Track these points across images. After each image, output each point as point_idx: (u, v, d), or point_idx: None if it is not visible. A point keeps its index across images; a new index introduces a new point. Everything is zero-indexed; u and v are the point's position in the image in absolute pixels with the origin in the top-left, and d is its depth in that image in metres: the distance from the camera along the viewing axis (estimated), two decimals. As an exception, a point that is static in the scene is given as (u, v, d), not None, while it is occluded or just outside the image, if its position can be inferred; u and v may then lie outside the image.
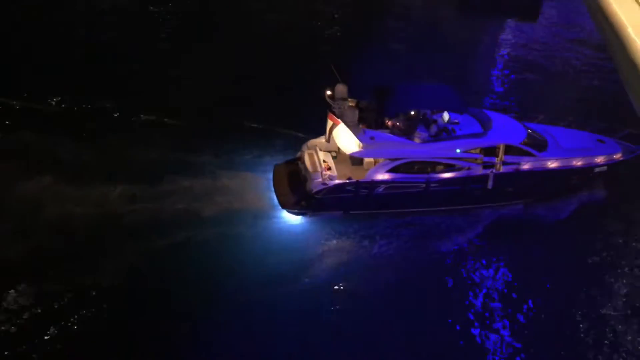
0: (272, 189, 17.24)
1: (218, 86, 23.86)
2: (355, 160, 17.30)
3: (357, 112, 16.45)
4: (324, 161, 16.97)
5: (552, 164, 17.60)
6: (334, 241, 16.56)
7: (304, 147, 17.76)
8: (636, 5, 9.81)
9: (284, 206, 16.78)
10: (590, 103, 24.41)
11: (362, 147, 16.32)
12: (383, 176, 16.70)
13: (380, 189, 16.79)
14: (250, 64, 26.27)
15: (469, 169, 17.03)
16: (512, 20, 35.61)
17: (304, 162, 17.30)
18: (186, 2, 33.47)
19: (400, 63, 26.86)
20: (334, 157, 17.50)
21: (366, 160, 17.07)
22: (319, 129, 18.14)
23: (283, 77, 24.79)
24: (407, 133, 16.73)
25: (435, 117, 17.31)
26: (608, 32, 9.85)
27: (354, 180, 16.59)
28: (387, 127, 16.88)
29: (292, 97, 22.89)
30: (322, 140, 17.86)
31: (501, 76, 27.75)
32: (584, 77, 28.25)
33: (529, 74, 28.08)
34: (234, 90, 23.85)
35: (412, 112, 16.92)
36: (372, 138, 16.29)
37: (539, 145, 17.60)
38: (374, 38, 30.20)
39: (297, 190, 16.92)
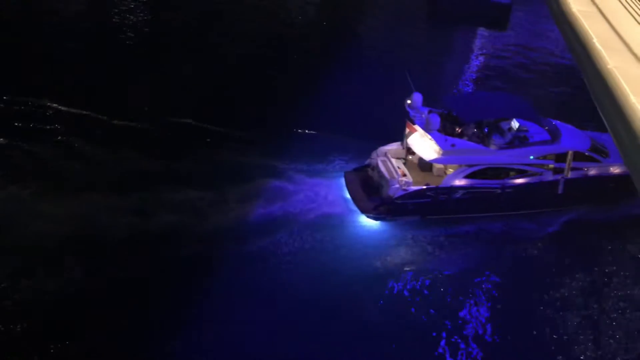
0: (347, 195, 17.84)
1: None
2: (425, 166, 18.16)
3: (439, 119, 17.03)
4: (398, 168, 17.62)
5: (616, 170, 18.70)
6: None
7: (374, 155, 18.40)
8: (601, 17, 9.89)
9: (364, 211, 17.35)
10: (560, 109, 24.61)
11: (443, 154, 17.12)
12: (461, 182, 17.55)
13: (458, 194, 17.57)
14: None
15: (541, 174, 17.92)
16: (481, 29, 36.09)
17: (376, 169, 18.00)
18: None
19: (369, 74, 26.94)
20: (403, 164, 18.28)
21: (436, 166, 17.99)
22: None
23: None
24: (483, 140, 17.53)
25: (503, 125, 18.05)
26: (574, 42, 9.91)
27: (433, 186, 17.31)
28: (459, 135, 17.59)
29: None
30: (392, 147, 18.64)
31: (471, 84, 28.04)
32: (554, 84, 28.73)
33: (498, 82, 28.43)
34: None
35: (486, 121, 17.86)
36: (453, 145, 16.99)
37: (602, 152, 18.75)
38: (342, 49, 30.16)
39: (373, 196, 17.52)
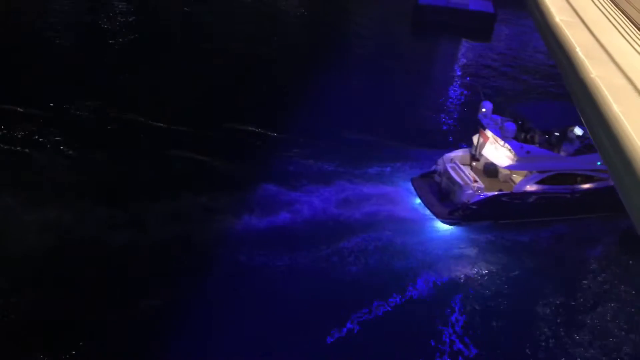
0: (418, 200, 18.31)
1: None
2: (490, 172, 18.82)
3: (515, 127, 17.69)
4: (469, 174, 18.27)
5: None
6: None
7: (441, 161, 19.01)
8: (584, 27, 10.03)
9: (439, 216, 17.81)
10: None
11: (517, 161, 17.80)
12: (533, 187, 18.13)
13: (531, 199, 18.09)
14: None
15: (607, 179, 18.41)
16: (466, 39, 36.43)
17: (445, 175, 18.54)
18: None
19: (354, 85, 27.12)
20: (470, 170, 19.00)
21: (502, 172, 18.66)
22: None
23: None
24: (553, 147, 18.36)
25: (570, 132, 18.80)
26: (558, 52, 10.02)
27: (507, 192, 17.92)
28: (530, 142, 18.17)
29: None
30: (457, 154, 19.34)
31: (455, 95, 28.21)
32: (539, 93, 29.06)
33: (488, 90, 28.59)
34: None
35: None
36: (528, 152, 17.81)
37: None
38: (325, 59, 30.22)
39: (446, 202, 18.05)
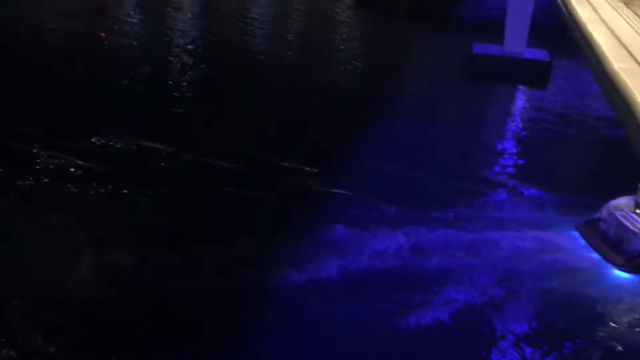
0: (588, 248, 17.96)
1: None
2: None
3: None
4: None
5: None
6: None
7: (606, 209, 18.70)
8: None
9: (617, 264, 17.50)
10: (606, 173, 24.00)
11: None
12: None
13: None
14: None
15: None
16: (521, 87, 35.95)
17: (615, 223, 18.12)
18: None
19: (408, 134, 26.79)
20: None
21: None
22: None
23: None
24: None
25: None
26: (617, 100, 9.58)
27: None
28: None
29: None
30: (622, 201, 18.86)
31: (510, 143, 27.61)
32: (595, 146, 28.07)
33: (539, 140, 27.97)
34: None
35: None
36: None
37: None
38: (378, 105, 30.28)
39: (618, 250, 17.73)
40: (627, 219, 17.99)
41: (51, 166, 20.47)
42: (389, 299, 15.15)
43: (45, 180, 19.69)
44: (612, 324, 15.35)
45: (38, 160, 20.68)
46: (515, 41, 37.74)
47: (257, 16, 48.79)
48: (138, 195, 19.30)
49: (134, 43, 36.27)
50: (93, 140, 22.39)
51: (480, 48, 38.44)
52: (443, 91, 33.65)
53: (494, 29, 39.32)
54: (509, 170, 23.69)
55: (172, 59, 34.15)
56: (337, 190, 20.66)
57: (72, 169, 20.41)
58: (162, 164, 21.54)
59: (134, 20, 41.55)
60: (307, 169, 21.84)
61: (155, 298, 14.83)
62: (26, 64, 29.85)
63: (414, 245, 17.30)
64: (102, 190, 19.32)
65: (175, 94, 29.01)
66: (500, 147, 26.43)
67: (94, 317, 13.99)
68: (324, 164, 22.13)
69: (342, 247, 16.91)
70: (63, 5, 43.21)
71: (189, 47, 37.06)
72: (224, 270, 15.61)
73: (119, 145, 22.36)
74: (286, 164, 21.93)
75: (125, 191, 19.47)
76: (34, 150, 21.11)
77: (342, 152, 23.53)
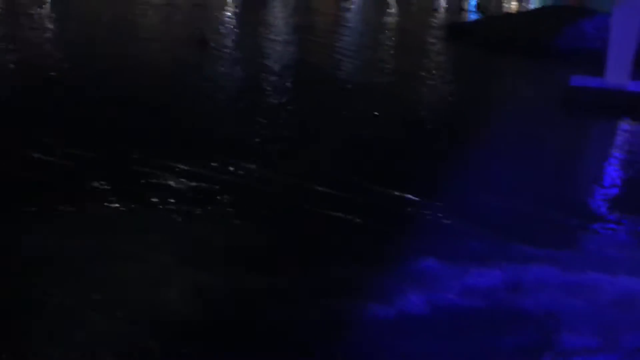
0: None
1: None
2: None
3: None
4: None
5: None
6: None
7: None
8: None
9: None
10: None
11: None
12: None
13: None
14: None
15: None
16: (624, 122, 33.84)
17: None
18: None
19: (506, 166, 25.54)
20: None
21: None
22: None
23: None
24: None
25: None
26: None
27: None
28: None
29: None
30: None
31: (615, 179, 25.84)
32: None
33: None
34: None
35: None
36: None
37: None
38: (474, 136, 29.47)
39: None
40: None
41: (157, 186, 21.41)
42: (478, 340, 14.24)
43: (147, 198, 20.47)
44: None
45: (150, 180, 21.77)
46: (618, 73, 35.76)
47: (349, 47, 49.72)
48: (230, 216, 19.58)
49: (233, 74, 37.62)
50: (193, 162, 23.11)
51: (579, 80, 36.69)
52: (540, 124, 32.25)
53: (594, 60, 37.75)
54: (615, 206, 22.03)
55: (267, 86, 35.22)
56: (430, 220, 20.05)
57: (177, 189, 21.20)
58: (256, 186, 21.79)
59: (233, 53, 43.33)
60: (403, 195, 21.50)
61: (239, 322, 14.67)
62: (135, 92, 31.81)
63: (509, 282, 16.22)
64: (197, 211, 19.77)
65: (273, 119, 29.68)
66: (604, 182, 24.85)
67: (179, 338, 13.90)
68: (420, 192, 21.64)
69: (431, 281, 16.26)
70: (162, 38, 46.13)
71: (285, 76, 38.19)
72: (309, 298, 15.36)
73: (217, 167, 22.94)
74: (381, 191, 21.67)
75: (218, 212, 19.84)
76: (150, 171, 22.25)
77: (439, 182, 22.89)
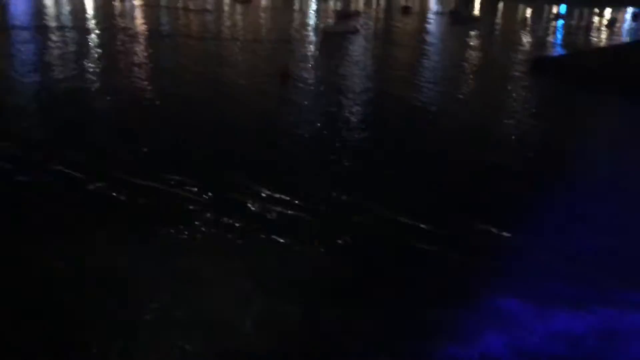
0: None
1: None
2: None
3: None
4: None
5: None
6: None
7: None
8: None
9: None
10: None
11: None
12: None
13: None
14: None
15: None
16: None
17: None
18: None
19: (604, 205, 24.50)
20: None
21: None
22: None
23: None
24: None
25: None
26: None
27: None
28: None
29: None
30: None
31: None
32: None
33: None
34: None
35: None
36: None
37: None
38: (569, 175, 28.26)
39: None
40: None
41: (251, 212, 22.11)
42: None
43: (236, 223, 21.14)
44: None
45: (244, 205, 22.52)
46: None
47: (431, 76, 49.65)
48: (316, 245, 19.85)
49: (315, 106, 38.24)
50: (282, 189, 23.73)
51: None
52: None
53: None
54: None
55: (351, 117, 35.73)
56: (522, 256, 19.55)
57: (269, 216, 21.78)
58: (345, 216, 21.99)
59: (315, 85, 44.15)
60: (495, 231, 21.18)
61: (314, 355, 14.80)
62: (223, 121, 33.23)
63: (600, 329, 15.40)
64: (281, 240, 20.12)
65: (362, 148, 30.19)
66: None
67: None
68: (513, 227, 21.33)
69: (516, 323, 15.66)
70: (249, 70, 47.86)
71: (367, 108, 38.72)
72: (389, 337, 15.23)
73: (305, 196, 23.34)
74: (471, 224, 21.53)
75: (305, 240, 20.09)
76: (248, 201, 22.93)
77: (535, 218, 22.40)
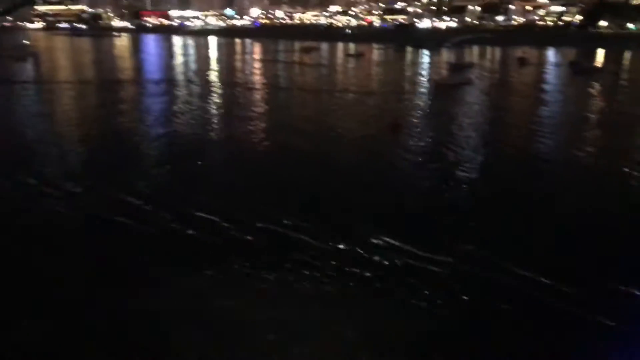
0: None
1: None
2: None
3: None
4: None
5: None
6: None
7: None
8: None
9: None
10: None
11: None
12: None
13: None
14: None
15: None
16: None
17: None
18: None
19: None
20: None
21: None
22: None
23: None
24: None
25: None
26: None
27: None
28: None
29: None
30: None
31: None
32: None
33: None
34: None
35: None
36: None
37: None
38: None
39: None
40: None
41: (352, 260, 21.47)
42: None
43: (338, 271, 20.70)
44: None
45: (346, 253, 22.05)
46: None
47: (551, 127, 47.33)
48: (440, 303, 18.88)
49: (429, 158, 37.47)
50: (383, 239, 22.88)
51: None
52: None
53: None
54: None
55: (469, 167, 34.46)
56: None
57: (370, 265, 20.94)
58: (470, 270, 20.87)
59: (426, 137, 43.49)
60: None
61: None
62: (338, 169, 33.32)
63: None
64: (402, 291, 19.35)
65: (482, 200, 28.86)
66: None
67: None
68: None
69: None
70: (360, 120, 48.21)
71: (484, 155, 37.30)
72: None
73: (432, 247, 22.44)
74: (612, 284, 19.55)
75: (429, 298, 19.22)
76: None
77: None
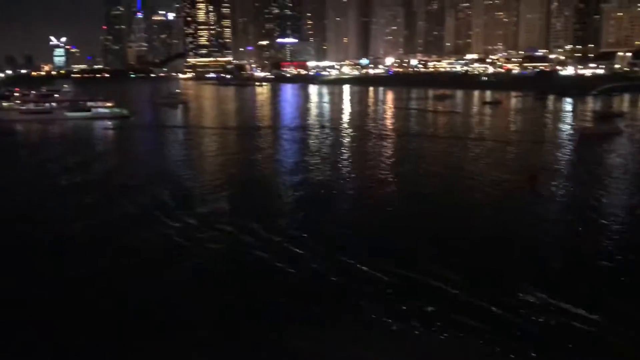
0: None
1: None
2: None
3: None
4: None
5: None
6: None
7: None
8: None
9: None
10: None
11: None
12: None
13: None
14: None
15: None
16: None
17: None
18: None
19: None
20: None
21: None
22: None
23: None
24: None
25: None
26: None
27: None
28: None
29: None
30: None
31: None
32: None
33: None
34: None
35: None
36: None
37: None
38: None
39: None
40: None
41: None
42: None
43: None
44: None
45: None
46: None
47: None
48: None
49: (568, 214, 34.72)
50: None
51: None
52: None
53: None
54: None
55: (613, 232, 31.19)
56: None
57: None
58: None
59: (566, 189, 40.43)
60: None
61: None
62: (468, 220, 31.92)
63: None
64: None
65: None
66: None
67: None
68: None
69: None
70: (493, 170, 46.01)
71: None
72: None
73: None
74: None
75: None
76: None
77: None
